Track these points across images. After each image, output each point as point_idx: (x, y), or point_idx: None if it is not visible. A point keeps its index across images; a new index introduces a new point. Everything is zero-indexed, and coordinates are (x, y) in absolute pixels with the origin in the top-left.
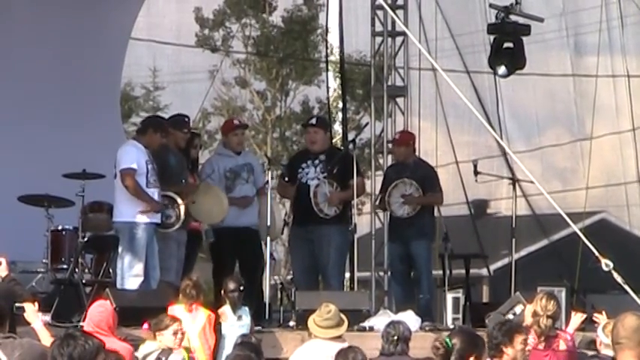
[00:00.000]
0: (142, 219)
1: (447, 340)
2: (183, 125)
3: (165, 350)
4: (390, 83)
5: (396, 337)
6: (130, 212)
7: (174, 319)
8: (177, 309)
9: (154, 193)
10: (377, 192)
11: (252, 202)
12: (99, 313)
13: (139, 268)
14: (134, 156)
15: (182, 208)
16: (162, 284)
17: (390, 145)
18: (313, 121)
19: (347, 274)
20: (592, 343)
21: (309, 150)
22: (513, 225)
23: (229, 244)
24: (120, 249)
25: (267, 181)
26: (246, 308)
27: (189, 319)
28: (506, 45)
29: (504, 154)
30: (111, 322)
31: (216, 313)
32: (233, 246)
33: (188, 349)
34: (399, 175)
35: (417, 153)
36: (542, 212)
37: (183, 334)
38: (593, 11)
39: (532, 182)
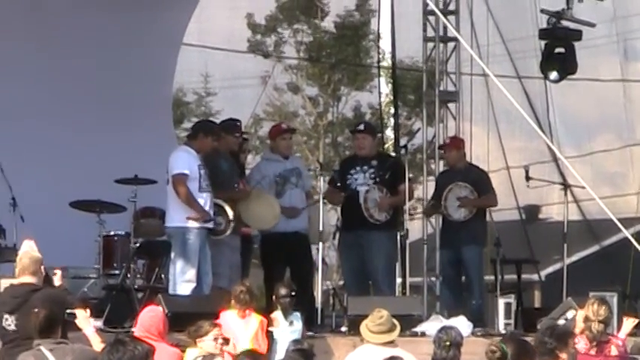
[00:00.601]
0: (194, 224)
1: (503, 344)
2: (235, 129)
3: (207, 356)
4: (441, 88)
5: (448, 343)
6: (182, 218)
7: (215, 325)
8: (229, 315)
9: (207, 197)
10: (429, 198)
11: (300, 212)
12: (149, 318)
13: (191, 273)
14: (186, 161)
15: (231, 214)
16: (214, 290)
17: (440, 151)
18: (361, 127)
19: (399, 280)
20: None
21: (357, 156)
22: (565, 230)
23: (279, 249)
24: (172, 254)
25: (319, 186)
26: (298, 314)
27: (242, 324)
28: (557, 50)
29: (555, 159)
30: (161, 328)
31: (268, 319)
32: (283, 251)
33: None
34: (451, 180)
35: (467, 158)
36: (593, 217)
37: (224, 339)
38: None
39: (583, 187)
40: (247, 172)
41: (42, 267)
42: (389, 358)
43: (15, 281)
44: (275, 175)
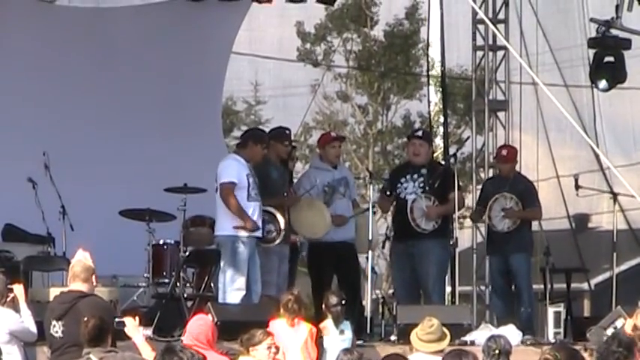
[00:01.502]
0: (244, 233)
1: (556, 353)
2: (285, 137)
3: None
4: (491, 97)
5: (497, 351)
6: (231, 226)
7: (268, 334)
8: (278, 323)
9: (255, 206)
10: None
11: (347, 221)
12: (198, 327)
13: (241, 282)
14: (234, 170)
15: (282, 222)
16: (264, 298)
17: (492, 159)
18: (419, 133)
19: (448, 288)
20: None
21: (409, 163)
22: (614, 239)
23: (327, 258)
24: (222, 263)
25: (369, 195)
26: (348, 322)
27: (292, 333)
28: (607, 59)
29: (602, 168)
30: (210, 336)
31: (317, 327)
32: (330, 260)
33: None
34: (498, 189)
35: (517, 167)
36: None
37: (277, 348)
38: None
39: (632, 196)
40: (295, 180)
41: (94, 276)
42: (458, 351)
43: (65, 289)
44: (324, 184)
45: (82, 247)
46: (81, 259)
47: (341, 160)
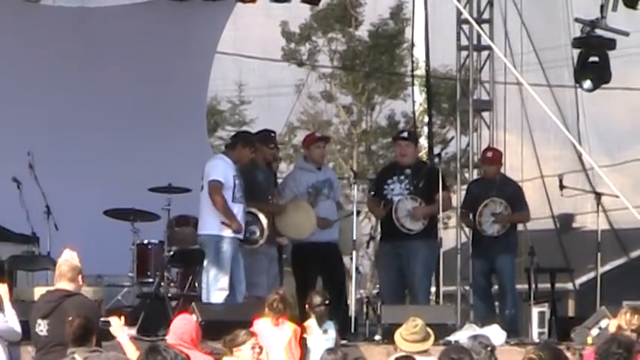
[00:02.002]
0: (227, 232)
1: (540, 352)
2: (271, 140)
3: None
4: (475, 97)
5: (489, 348)
6: (215, 225)
7: (251, 334)
8: (263, 323)
9: (240, 208)
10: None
11: (331, 225)
12: (182, 326)
13: (224, 281)
14: (222, 170)
15: (265, 223)
16: (250, 298)
17: (476, 160)
18: (405, 134)
19: (432, 289)
20: None
21: (395, 164)
22: (599, 239)
23: (311, 258)
24: (205, 262)
25: (353, 195)
26: (332, 322)
27: (276, 333)
28: (591, 59)
29: (584, 168)
30: (194, 335)
31: (301, 327)
32: (315, 261)
33: None
34: (485, 193)
35: (502, 168)
36: (620, 227)
37: (260, 348)
38: None
39: (617, 197)
40: (280, 180)
41: (80, 276)
42: (454, 347)
43: (51, 288)
44: (308, 186)
45: (69, 247)
46: (68, 258)
47: (325, 160)
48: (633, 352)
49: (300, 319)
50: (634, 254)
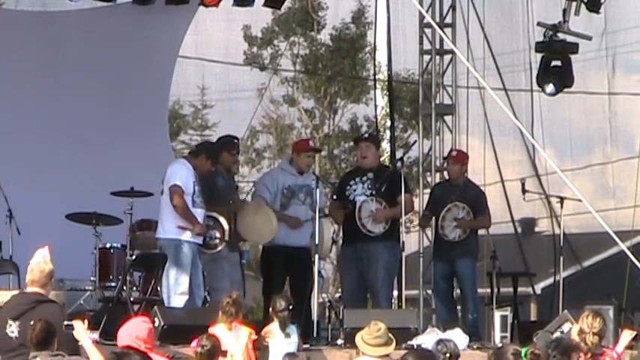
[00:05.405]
0: (186, 236)
1: (524, 350)
2: (233, 147)
3: None
4: (438, 101)
5: (448, 355)
6: (175, 230)
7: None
8: (218, 328)
9: (200, 213)
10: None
11: (302, 224)
12: (141, 329)
13: (184, 285)
14: (184, 175)
15: (226, 228)
16: (212, 303)
17: (439, 163)
18: (366, 135)
19: (395, 292)
20: None
21: (358, 168)
22: (561, 244)
23: (280, 262)
24: (165, 267)
25: (315, 200)
26: (295, 326)
27: (232, 338)
28: (554, 63)
29: (537, 173)
30: (146, 337)
31: (260, 331)
32: (284, 265)
33: None
34: (448, 195)
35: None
36: (571, 231)
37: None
38: (635, 31)
39: (580, 200)
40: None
41: (52, 279)
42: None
43: (12, 292)
44: (284, 186)
45: (41, 246)
46: (40, 261)
47: (311, 169)
48: (571, 356)
49: (264, 323)
50: (587, 262)
